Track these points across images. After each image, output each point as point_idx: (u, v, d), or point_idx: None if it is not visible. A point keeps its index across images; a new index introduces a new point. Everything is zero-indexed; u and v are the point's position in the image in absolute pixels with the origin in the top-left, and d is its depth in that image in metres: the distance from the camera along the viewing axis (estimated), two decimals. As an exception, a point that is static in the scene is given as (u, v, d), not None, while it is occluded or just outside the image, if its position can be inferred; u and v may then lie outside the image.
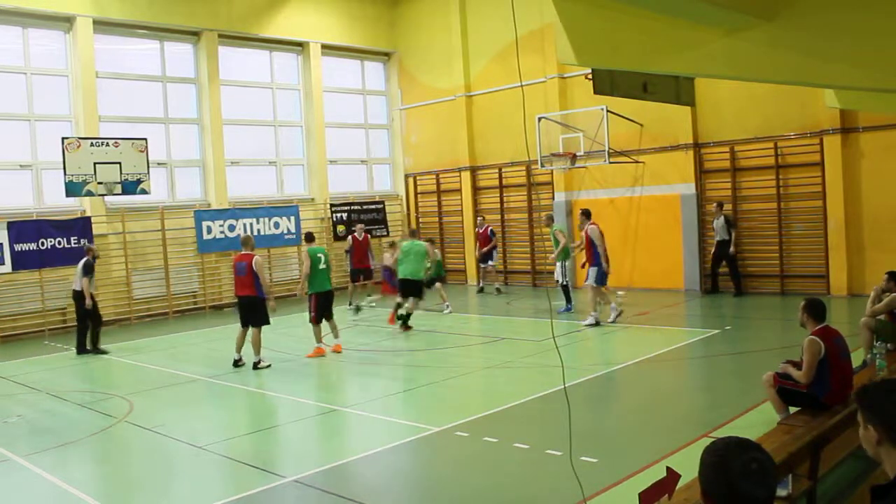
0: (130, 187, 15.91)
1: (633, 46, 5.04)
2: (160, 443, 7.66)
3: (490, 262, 18.26)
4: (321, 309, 11.65)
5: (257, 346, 10.98)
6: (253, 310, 11.02)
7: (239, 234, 18.31)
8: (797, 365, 6.14)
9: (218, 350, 12.94)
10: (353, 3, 21.11)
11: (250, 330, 11.05)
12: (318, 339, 11.70)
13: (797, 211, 15.32)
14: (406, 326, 13.46)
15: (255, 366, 10.90)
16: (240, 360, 11.01)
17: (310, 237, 12.52)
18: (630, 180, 17.39)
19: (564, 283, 14.60)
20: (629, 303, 14.17)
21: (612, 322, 12.87)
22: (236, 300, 11.54)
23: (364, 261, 16.90)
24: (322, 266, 11.64)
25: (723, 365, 9.92)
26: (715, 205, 15.72)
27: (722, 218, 15.44)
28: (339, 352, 11.68)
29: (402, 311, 13.59)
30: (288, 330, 14.63)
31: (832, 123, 14.47)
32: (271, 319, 11.34)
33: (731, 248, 15.43)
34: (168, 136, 17.91)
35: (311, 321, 11.77)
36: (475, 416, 7.90)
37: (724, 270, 15.84)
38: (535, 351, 11.25)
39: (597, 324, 12.72)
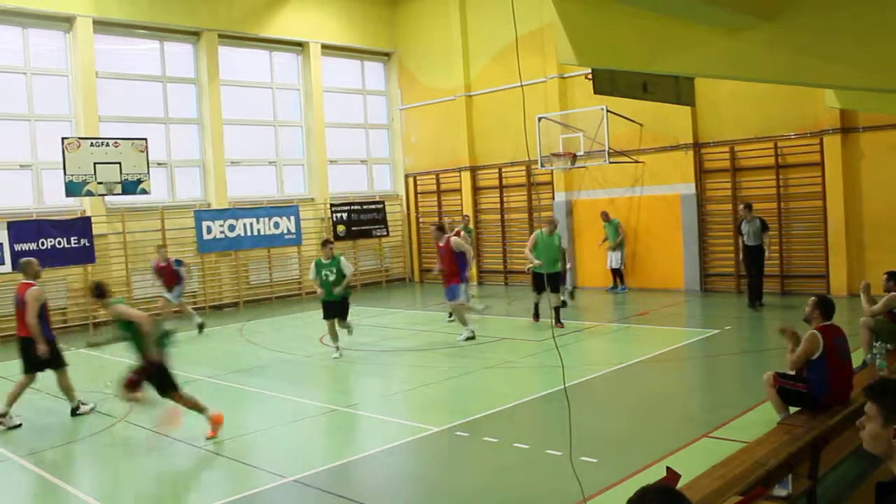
0: (130, 187, 15.92)
1: (633, 46, 5.04)
2: (160, 443, 7.66)
3: (169, 295, 14.37)
4: (324, 313, 11.42)
5: (68, 391, 8.81)
6: (35, 353, 8.39)
7: (238, 234, 18.39)
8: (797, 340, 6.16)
9: (218, 350, 12.98)
10: (353, 3, 21.12)
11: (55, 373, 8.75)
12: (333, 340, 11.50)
13: (797, 211, 15.31)
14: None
15: (73, 412, 8.77)
16: (77, 407, 8.82)
17: (324, 243, 11.49)
18: (630, 180, 17.39)
19: (617, 266, 16.95)
20: (628, 302, 14.13)
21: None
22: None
23: None
24: (329, 278, 11.12)
25: (723, 365, 9.92)
26: (743, 206, 13.88)
27: (757, 220, 13.59)
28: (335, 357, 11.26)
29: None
30: (288, 330, 14.66)
31: (832, 123, 14.47)
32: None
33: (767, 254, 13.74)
34: (168, 136, 17.91)
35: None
36: (475, 416, 7.90)
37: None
38: (535, 351, 11.25)
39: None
